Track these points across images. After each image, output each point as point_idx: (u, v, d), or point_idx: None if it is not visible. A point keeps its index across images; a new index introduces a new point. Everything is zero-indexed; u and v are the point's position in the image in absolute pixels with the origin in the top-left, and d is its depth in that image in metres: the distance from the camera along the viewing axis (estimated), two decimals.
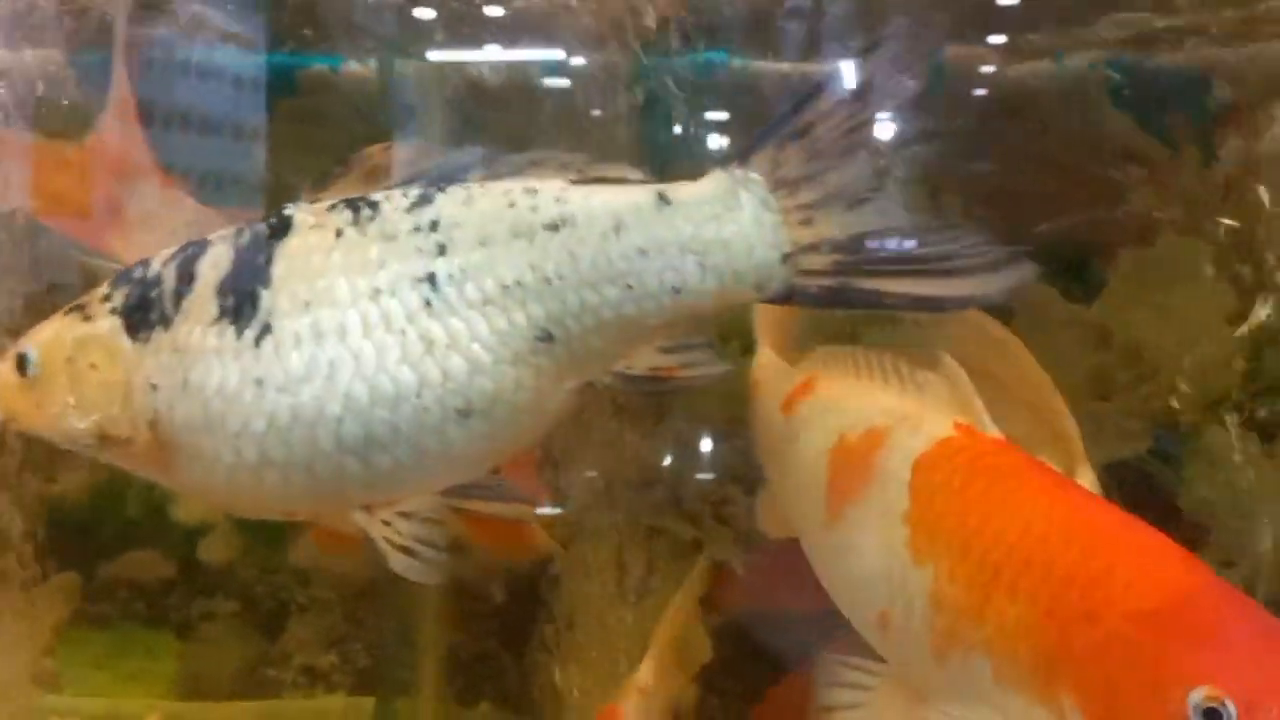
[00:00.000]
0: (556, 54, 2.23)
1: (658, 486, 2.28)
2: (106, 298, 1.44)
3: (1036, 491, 1.25)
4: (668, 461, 2.29)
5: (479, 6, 2.24)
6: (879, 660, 1.37)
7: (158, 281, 1.42)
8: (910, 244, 1.27)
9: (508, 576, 2.44)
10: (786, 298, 1.31)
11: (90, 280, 1.62)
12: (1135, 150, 2.26)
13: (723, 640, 2.21)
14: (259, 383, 1.34)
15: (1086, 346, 2.18)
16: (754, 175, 1.31)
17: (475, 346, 1.32)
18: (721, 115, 2.24)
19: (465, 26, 2.29)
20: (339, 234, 1.36)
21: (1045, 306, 2.15)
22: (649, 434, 2.27)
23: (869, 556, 1.35)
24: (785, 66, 2.22)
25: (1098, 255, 2.25)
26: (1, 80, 1.99)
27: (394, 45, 2.33)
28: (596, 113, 2.18)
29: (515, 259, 1.32)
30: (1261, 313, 2.09)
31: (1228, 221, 2.15)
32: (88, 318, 1.44)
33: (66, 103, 2.03)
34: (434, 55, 2.35)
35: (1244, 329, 2.07)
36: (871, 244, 1.27)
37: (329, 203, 1.39)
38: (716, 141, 2.24)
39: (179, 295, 1.40)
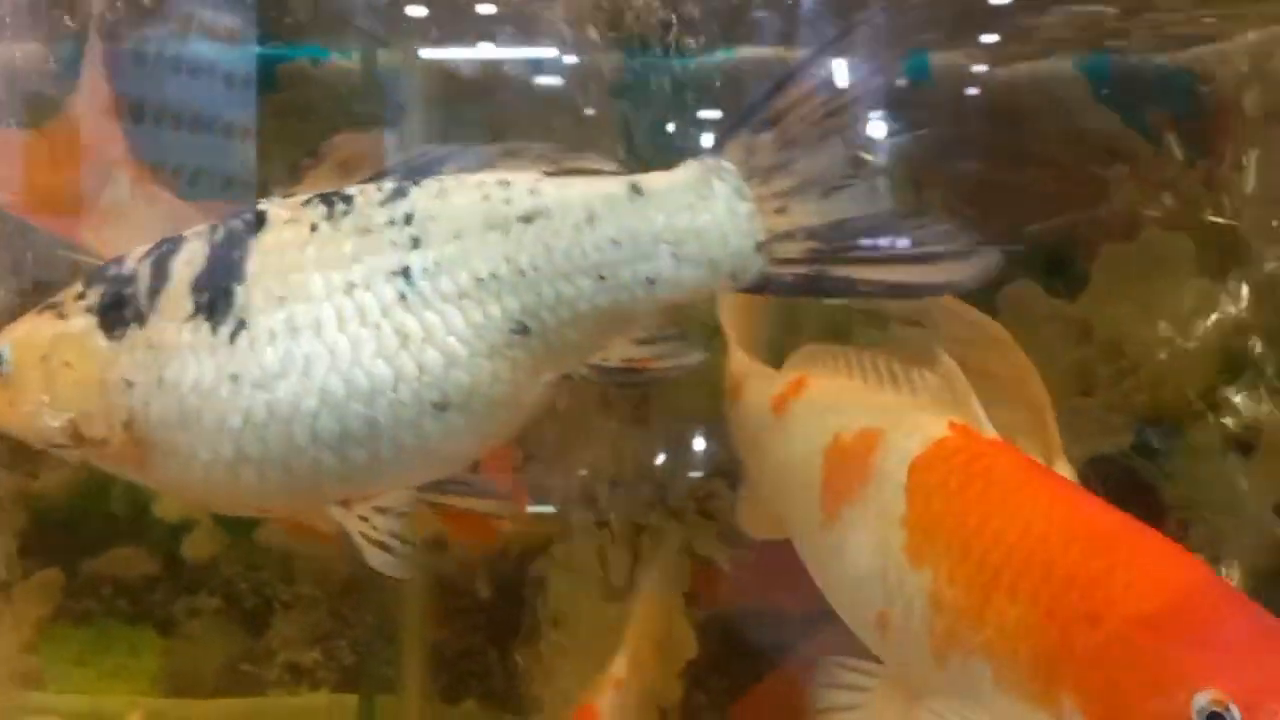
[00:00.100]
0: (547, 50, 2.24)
1: (642, 482, 2.28)
2: (81, 295, 1.43)
3: (1036, 492, 1.24)
4: (651, 456, 2.29)
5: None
6: (874, 660, 1.36)
7: (133, 279, 1.41)
8: (883, 231, 1.27)
9: (493, 573, 2.43)
10: (761, 287, 1.31)
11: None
12: (1118, 146, 2.27)
13: (708, 636, 2.22)
14: (234, 379, 1.34)
15: (1069, 342, 2.18)
16: (727, 164, 1.30)
17: (451, 340, 1.32)
18: None
19: (451, 19, 2.29)
20: (313, 229, 1.36)
21: (1028, 302, 2.16)
22: (632, 429, 2.27)
23: (866, 558, 1.34)
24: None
25: (1080, 250, 2.25)
26: None
27: (377, 38, 2.32)
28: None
29: (489, 251, 1.32)
30: (1240, 305, 2.10)
31: (1221, 220, 2.16)
32: (62, 316, 1.43)
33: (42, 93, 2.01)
34: (418, 47, 2.34)
35: (1211, 322, 2.07)
36: (846, 232, 1.27)
37: (303, 197, 1.38)
38: None
39: (154, 292, 1.39)
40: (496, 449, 1.49)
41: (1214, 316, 2.12)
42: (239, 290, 1.35)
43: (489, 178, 1.35)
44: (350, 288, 1.33)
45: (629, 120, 2.22)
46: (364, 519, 1.39)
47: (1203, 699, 1.04)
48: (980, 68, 2.32)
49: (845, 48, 1.27)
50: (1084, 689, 1.11)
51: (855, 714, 1.35)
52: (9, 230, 2.00)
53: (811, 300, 2.07)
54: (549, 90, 2.31)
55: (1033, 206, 2.25)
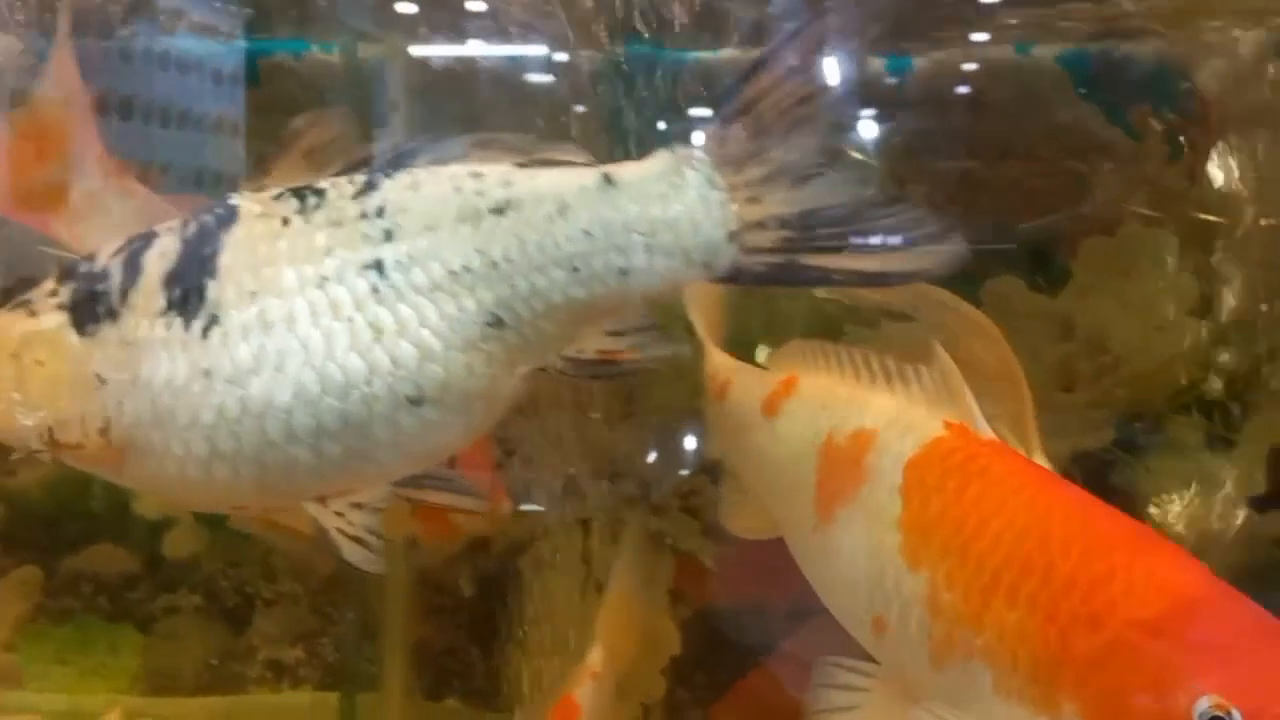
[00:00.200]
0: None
1: (624, 479, 2.27)
2: (53, 293, 1.42)
3: (1035, 494, 1.23)
4: (633, 453, 2.29)
5: None
6: (870, 660, 1.34)
7: (105, 275, 1.40)
8: (856, 219, 1.26)
9: (475, 571, 2.43)
10: (734, 276, 1.30)
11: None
12: (1100, 141, 2.27)
13: (692, 633, 2.22)
14: (207, 374, 1.33)
15: (1051, 337, 2.18)
16: (698, 153, 1.29)
17: (425, 333, 1.31)
18: None
19: (437, 12, 2.28)
20: (285, 222, 1.35)
21: (1010, 298, 2.16)
22: (615, 425, 2.27)
23: (862, 561, 1.32)
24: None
25: (1062, 246, 2.25)
26: None
27: (357, 30, 2.31)
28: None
29: (462, 244, 1.31)
30: (1221, 300, 2.10)
31: (1210, 217, 2.16)
32: (33, 313, 1.42)
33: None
34: (399, 40, 2.34)
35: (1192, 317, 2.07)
36: (818, 220, 1.26)
37: (275, 191, 1.38)
38: None
39: (126, 288, 1.38)
40: (474, 445, 1.48)
41: (1195, 311, 2.12)
42: (211, 285, 1.34)
43: (461, 169, 1.34)
44: (323, 281, 1.32)
45: (621, 116, 2.21)
46: (340, 514, 1.38)
47: (1204, 703, 1.03)
48: (960, 61, 2.33)
49: (816, 35, 1.26)
50: (1085, 693, 1.09)
51: (853, 714, 1.33)
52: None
53: (801, 295, 2.08)
54: (539, 85, 2.31)
55: (1014, 202, 2.25)
